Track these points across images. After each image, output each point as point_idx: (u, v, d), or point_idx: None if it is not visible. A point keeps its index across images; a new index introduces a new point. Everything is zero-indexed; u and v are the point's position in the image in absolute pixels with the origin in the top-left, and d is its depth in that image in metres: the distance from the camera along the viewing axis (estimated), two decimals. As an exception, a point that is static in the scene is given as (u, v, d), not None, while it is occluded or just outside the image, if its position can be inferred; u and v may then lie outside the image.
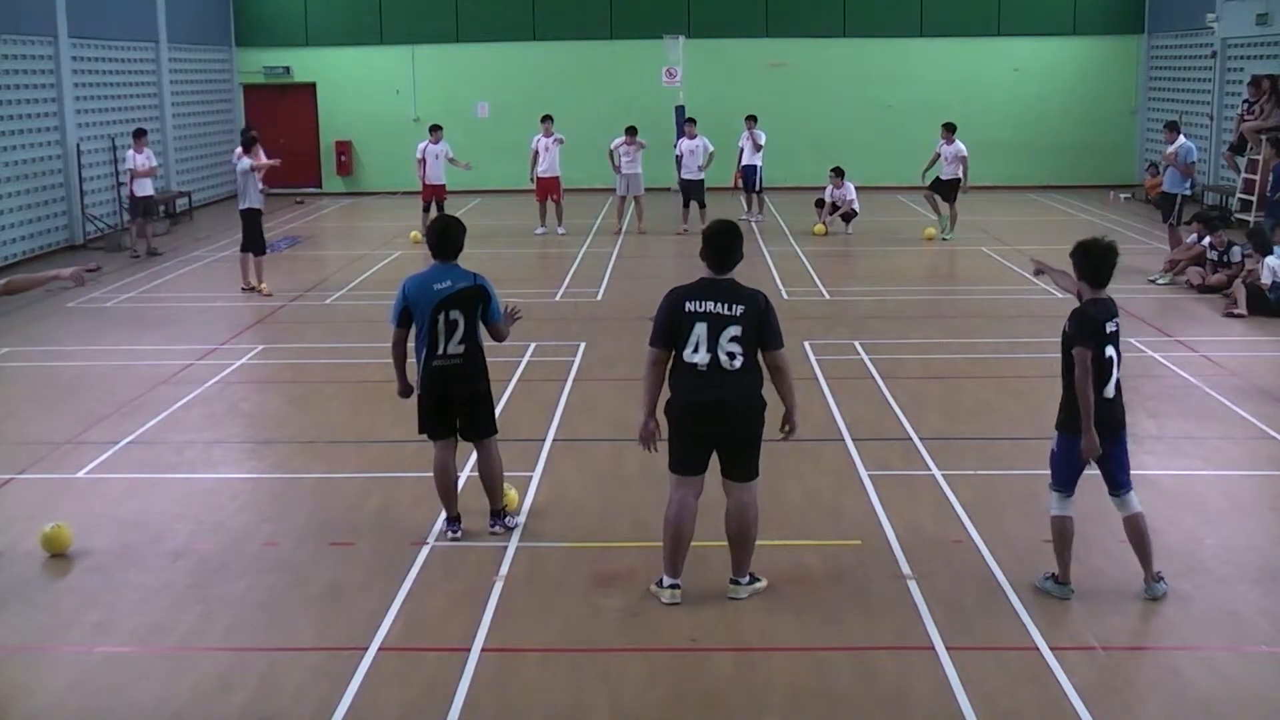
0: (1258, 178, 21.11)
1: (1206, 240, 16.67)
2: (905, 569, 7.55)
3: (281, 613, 7.13)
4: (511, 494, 8.44)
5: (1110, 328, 6.92)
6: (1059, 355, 7.05)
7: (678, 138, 24.12)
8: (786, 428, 7.10)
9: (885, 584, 7.37)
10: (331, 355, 13.50)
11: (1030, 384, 11.53)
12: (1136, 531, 7.09)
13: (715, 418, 6.89)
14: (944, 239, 20.95)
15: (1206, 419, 10.71)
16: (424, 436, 8.10)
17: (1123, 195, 26.91)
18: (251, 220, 16.71)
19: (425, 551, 7.90)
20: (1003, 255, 19.42)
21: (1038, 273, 8.13)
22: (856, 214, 22.06)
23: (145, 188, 20.41)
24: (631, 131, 22.22)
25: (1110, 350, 6.91)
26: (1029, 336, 13.54)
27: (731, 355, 6.81)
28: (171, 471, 9.63)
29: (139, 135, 20.73)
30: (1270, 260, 15.07)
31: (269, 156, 17.15)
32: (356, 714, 5.99)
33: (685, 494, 7.05)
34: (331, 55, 29.21)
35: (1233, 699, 6.06)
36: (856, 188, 22.38)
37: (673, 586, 7.12)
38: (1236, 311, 14.74)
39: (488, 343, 8.06)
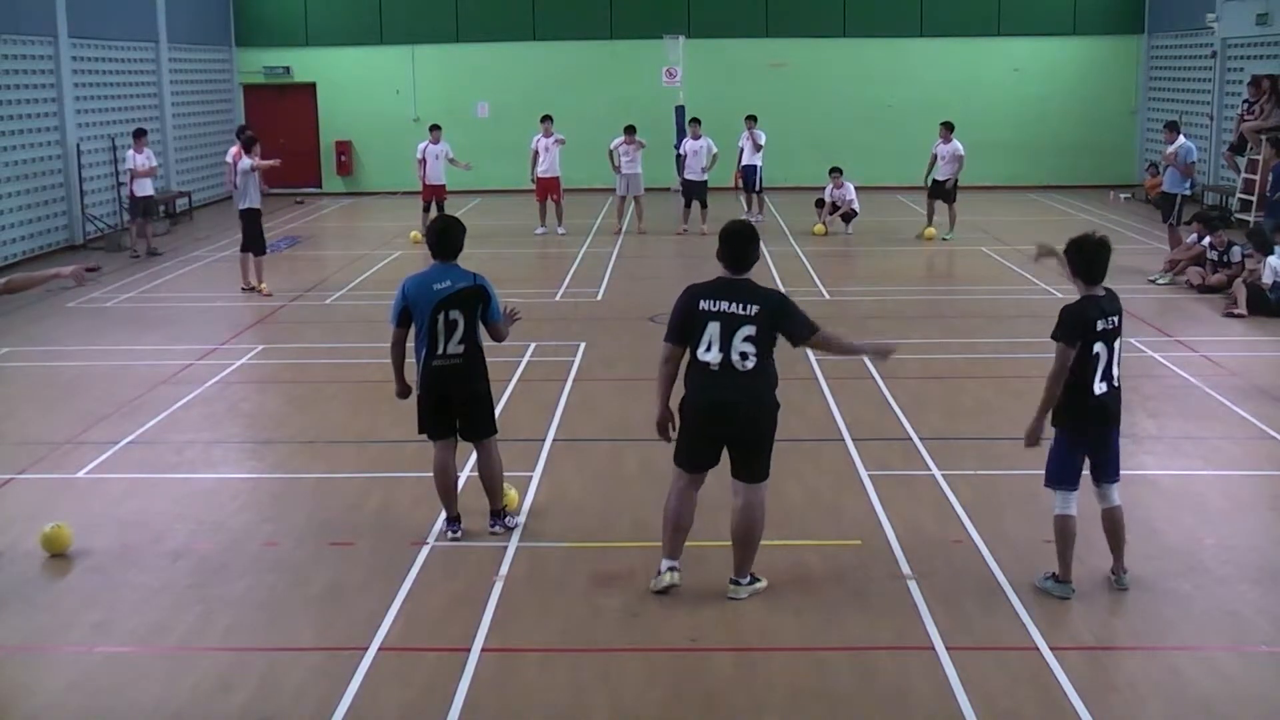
0: (1258, 178, 21.11)
1: (1206, 240, 16.67)
2: (905, 569, 7.55)
3: (281, 613, 7.13)
4: (511, 494, 8.44)
5: (1102, 325, 6.91)
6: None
7: (678, 137, 24.17)
8: (880, 357, 7.50)
9: (885, 584, 7.37)
10: (331, 355, 13.50)
11: (1030, 384, 11.43)
12: (1114, 524, 7.20)
13: (725, 418, 6.94)
14: (944, 239, 20.96)
15: (1206, 419, 10.71)
16: (424, 436, 8.10)
17: (1123, 195, 26.92)
18: (251, 220, 16.72)
19: (425, 551, 7.90)
20: (1003, 255, 19.43)
21: (1042, 255, 7.76)
22: (856, 214, 22.07)
23: (145, 188, 20.41)
24: (630, 131, 22.23)
25: (1100, 347, 6.91)
26: (1029, 336, 13.52)
27: (744, 355, 6.83)
28: (171, 471, 9.63)
29: (139, 135, 20.73)
30: (1272, 260, 15.07)
31: (267, 157, 17.16)
32: (356, 714, 5.99)
33: (686, 486, 7.16)
34: (331, 55, 29.21)
35: (1233, 699, 6.06)
36: (856, 188, 22.38)
37: (671, 569, 7.20)
38: (1236, 311, 14.74)
39: (487, 343, 8.06)
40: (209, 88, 28.11)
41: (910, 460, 9.59)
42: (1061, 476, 7.08)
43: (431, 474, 8.09)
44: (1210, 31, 25.05)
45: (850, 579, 7.46)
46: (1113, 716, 5.90)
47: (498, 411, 8.61)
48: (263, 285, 16.83)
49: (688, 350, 6.98)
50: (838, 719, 5.95)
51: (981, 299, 16.04)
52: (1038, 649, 6.52)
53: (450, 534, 8.07)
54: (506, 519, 8.23)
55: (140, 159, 20.32)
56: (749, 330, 6.83)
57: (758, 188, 22.95)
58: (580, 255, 19.89)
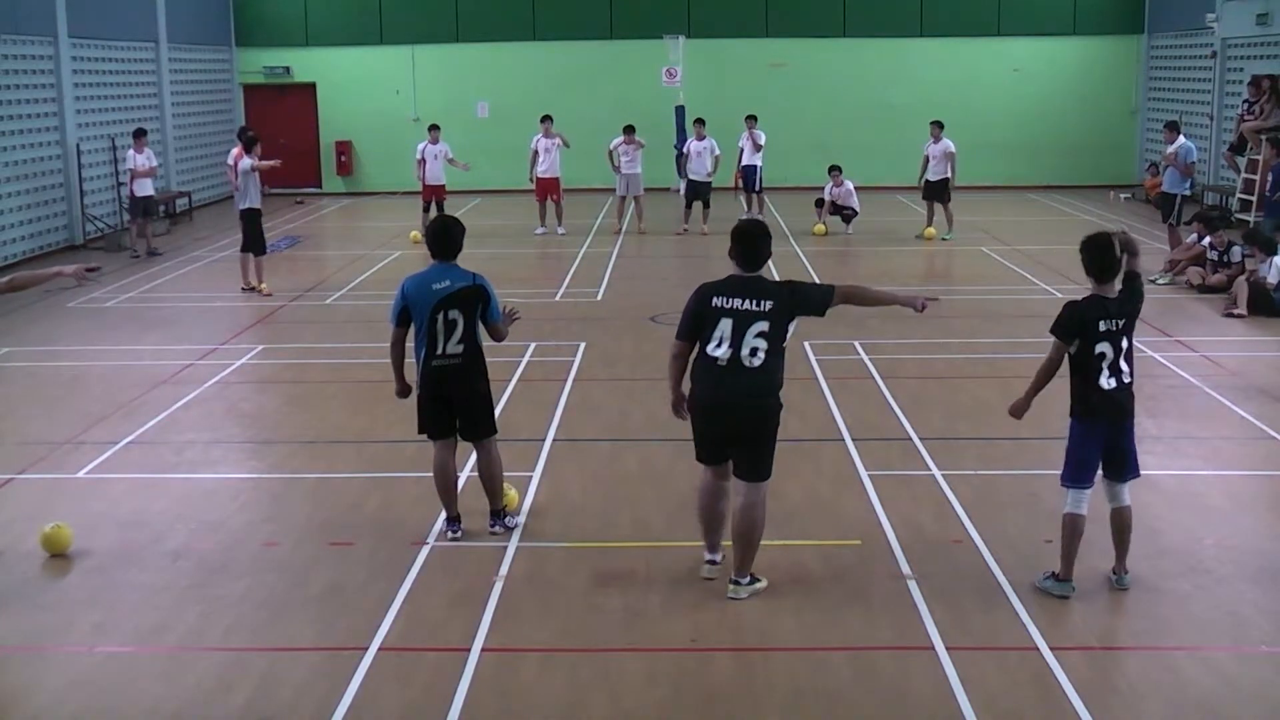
0: (1258, 178, 21.11)
1: (1207, 240, 16.67)
2: (905, 569, 7.55)
3: (281, 613, 7.13)
4: (511, 494, 8.44)
5: (1105, 326, 6.95)
6: None
7: (678, 137, 24.16)
8: (923, 304, 7.44)
9: (885, 584, 7.37)
10: (331, 355, 13.50)
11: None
12: (1121, 524, 7.21)
13: (726, 417, 7.00)
14: (943, 239, 20.97)
15: (1206, 419, 10.71)
16: (424, 436, 8.10)
17: (1123, 195, 26.92)
18: (251, 220, 16.72)
19: (425, 551, 7.90)
20: (1003, 255, 19.43)
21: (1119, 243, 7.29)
22: (856, 214, 22.07)
23: (145, 188, 20.41)
24: (629, 130, 22.23)
25: (1104, 347, 6.95)
26: (1029, 336, 13.51)
27: (754, 351, 6.90)
28: (171, 471, 9.63)
29: (139, 135, 20.73)
30: (1277, 260, 15.07)
31: (268, 157, 17.16)
32: (356, 714, 5.99)
33: (710, 481, 7.29)
34: (331, 55, 29.21)
35: (1233, 699, 6.06)
36: (856, 187, 22.39)
37: (710, 562, 7.41)
38: (1236, 311, 14.74)
39: (487, 343, 8.06)
40: (209, 88, 28.10)
41: (910, 460, 9.59)
42: (1076, 475, 7.10)
43: (431, 474, 8.09)
44: (1210, 31, 25.05)
45: (850, 579, 7.46)
46: (1113, 716, 5.90)
47: (498, 411, 8.61)
48: (263, 285, 16.83)
49: (697, 345, 7.10)
50: (837, 719, 5.95)
51: (981, 299, 16.04)
52: (1038, 649, 6.52)
53: (450, 534, 8.07)
54: (506, 519, 8.23)
55: (141, 159, 20.32)
56: (762, 326, 6.90)
57: (758, 188, 22.93)
58: (580, 255, 19.88)
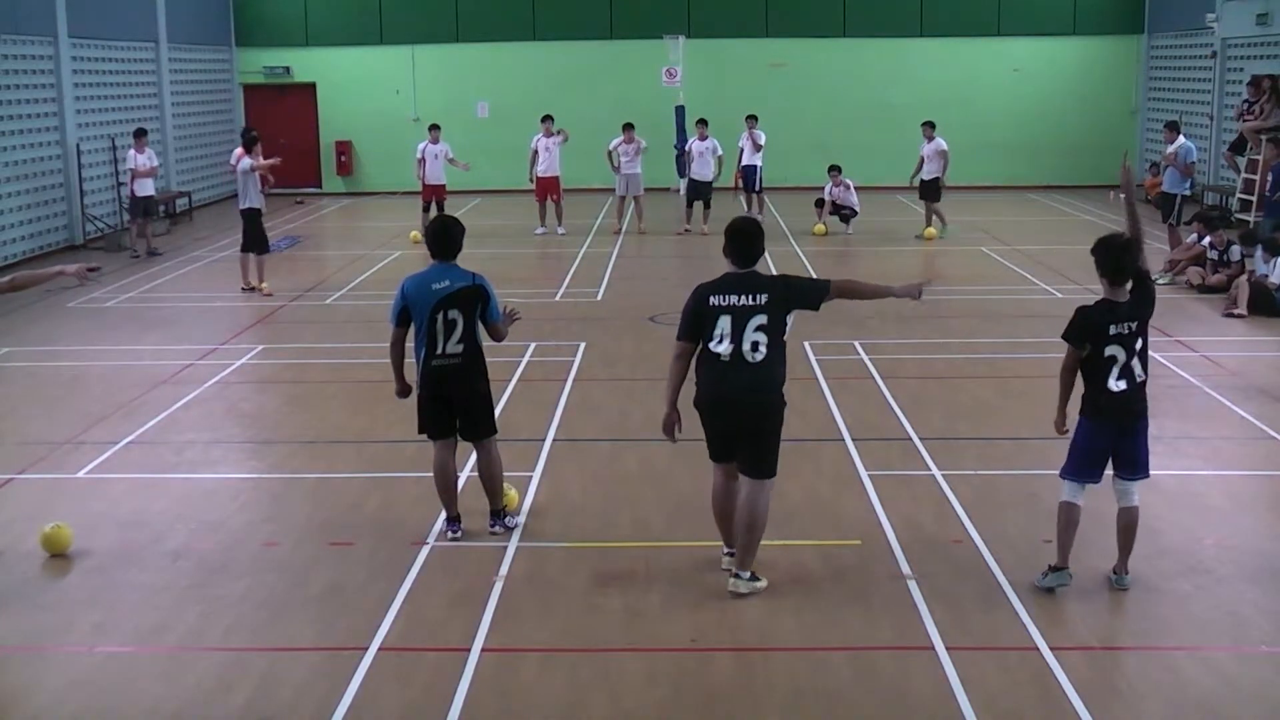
0: (1258, 178, 21.10)
1: (1207, 240, 16.67)
2: (905, 569, 7.55)
3: (281, 613, 7.13)
4: (511, 494, 8.44)
5: (1115, 330, 6.96)
6: (1062, 354, 7.14)
7: (679, 137, 24.11)
8: (919, 292, 7.66)
9: (885, 584, 7.37)
10: (331, 355, 13.50)
11: (1030, 384, 11.53)
12: (1127, 524, 7.22)
13: (730, 413, 7.07)
14: (939, 238, 21.00)
15: (1206, 419, 10.71)
16: (424, 436, 8.10)
17: (1123, 195, 26.85)
18: (252, 220, 16.73)
19: (425, 551, 7.90)
20: (1002, 255, 19.44)
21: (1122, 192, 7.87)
22: (856, 214, 22.07)
23: (146, 188, 20.42)
24: (628, 127, 22.23)
25: (1114, 350, 6.96)
26: (1029, 336, 13.54)
27: (755, 345, 6.97)
28: (171, 471, 9.63)
29: (140, 135, 20.74)
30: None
31: (268, 155, 17.17)
32: (356, 714, 5.99)
33: (722, 478, 7.34)
34: (331, 55, 29.21)
35: (1233, 699, 6.06)
36: (856, 187, 22.39)
37: (729, 554, 7.46)
38: (1236, 311, 14.75)
39: (487, 343, 8.06)
40: (209, 88, 28.11)
41: (910, 460, 9.59)
42: (1076, 470, 7.12)
43: (431, 474, 8.09)
44: (1210, 31, 25.05)
45: (850, 579, 7.46)
46: (1113, 716, 5.89)
47: (498, 411, 8.61)
48: (264, 285, 16.83)
49: (700, 344, 7.15)
50: (837, 719, 5.95)
51: (981, 299, 16.04)
52: (1038, 649, 6.52)
53: (450, 534, 8.07)
54: (506, 519, 8.23)
55: (142, 159, 20.33)
56: (760, 319, 6.98)
57: (758, 188, 22.93)
58: (580, 255, 19.89)
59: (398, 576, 7.50)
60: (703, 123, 22.43)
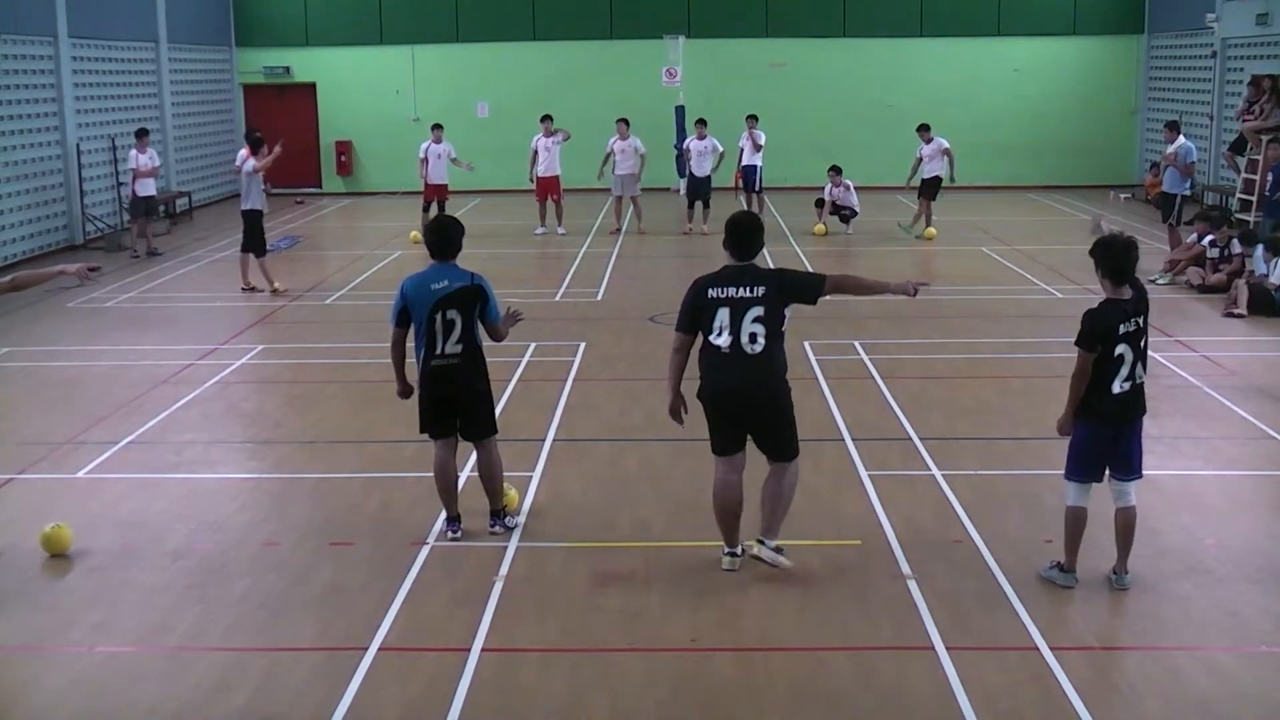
0: (1258, 178, 21.10)
1: (1208, 239, 16.66)
2: (905, 569, 7.55)
3: (281, 613, 7.13)
4: (511, 494, 8.44)
5: (1124, 328, 6.99)
6: (1063, 354, 7.14)
7: (678, 137, 24.17)
8: (914, 288, 7.46)
9: (885, 584, 7.37)
10: (331, 355, 13.50)
11: (1030, 384, 11.52)
12: (1125, 524, 7.24)
13: (738, 403, 7.22)
14: (914, 236, 21.06)
15: (1206, 419, 10.71)
16: (424, 436, 8.10)
17: (1123, 195, 26.92)
18: (252, 221, 16.74)
19: (425, 551, 7.90)
20: (1003, 255, 19.43)
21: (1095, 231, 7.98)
22: (856, 214, 22.07)
23: (147, 187, 20.43)
24: (623, 123, 22.22)
25: (1123, 349, 6.99)
26: (1029, 336, 13.53)
27: (753, 337, 7.09)
28: (171, 471, 9.63)
29: (141, 135, 20.74)
30: (1280, 260, 15.09)
31: (271, 150, 17.14)
32: (356, 714, 5.99)
33: (726, 472, 7.40)
34: (331, 55, 29.21)
35: (1233, 699, 6.06)
36: (856, 187, 22.39)
37: (730, 554, 7.50)
38: (1236, 311, 14.75)
39: (487, 343, 8.06)
40: (209, 88, 28.10)
41: (910, 460, 9.59)
42: (1078, 470, 7.15)
43: (431, 474, 8.09)
44: (1210, 31, 25.04)
45: (850, 579, 7.46)
46: (1113, 716, 5.90)
47: (498, 411, 8.60)
48: (276, 284, 16.79)
49: (700, 337, 7.24)
50: (838, 719, 5.95)
51: (981, 299, 16.03)
52: (1038, 649, 6.52)
53: (450, 534, 8.07)
54: (506, 519, 8.23)
55: (143, 159, 20.34)
56: (758, 311, 7.09)
57: (758, 188, 22.93)
58: (580, 255, 19.88)
59: (398, 576, 7.50)
60: (701, 122, 22.42)
